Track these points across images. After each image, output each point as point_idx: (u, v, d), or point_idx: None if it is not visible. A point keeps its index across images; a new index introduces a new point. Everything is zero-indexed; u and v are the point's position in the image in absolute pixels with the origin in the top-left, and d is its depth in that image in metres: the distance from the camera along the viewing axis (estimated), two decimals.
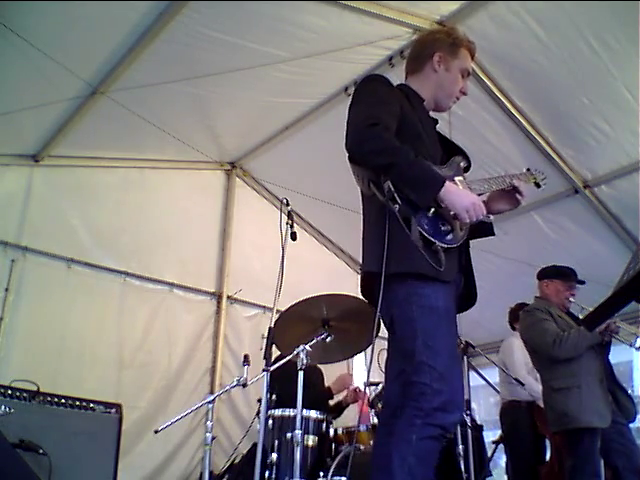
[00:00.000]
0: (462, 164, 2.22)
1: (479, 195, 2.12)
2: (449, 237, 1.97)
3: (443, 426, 1.87)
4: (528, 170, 2.42)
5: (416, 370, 1.89)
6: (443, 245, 1.93)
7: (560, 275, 3.96)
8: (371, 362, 2.05)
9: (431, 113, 2.34)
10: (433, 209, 1.94)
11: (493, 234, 2.27)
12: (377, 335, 2.15)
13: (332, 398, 4.19)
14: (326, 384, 4.30)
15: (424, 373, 1.88)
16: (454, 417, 1.91)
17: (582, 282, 3.94)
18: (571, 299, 3.90)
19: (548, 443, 4.72)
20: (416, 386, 1.88)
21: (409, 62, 2.38)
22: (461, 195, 1.96)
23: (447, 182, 1.94)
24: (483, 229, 2.24)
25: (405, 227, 1.89)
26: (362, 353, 3.70)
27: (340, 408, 4.22)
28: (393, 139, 1.96)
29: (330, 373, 4.43)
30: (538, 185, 2.41)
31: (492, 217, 2.22)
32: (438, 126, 2.34)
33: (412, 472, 1.80)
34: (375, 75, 2.30)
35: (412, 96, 2.24)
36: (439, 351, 1.91)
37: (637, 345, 3.83)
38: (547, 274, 4.02)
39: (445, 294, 1.99)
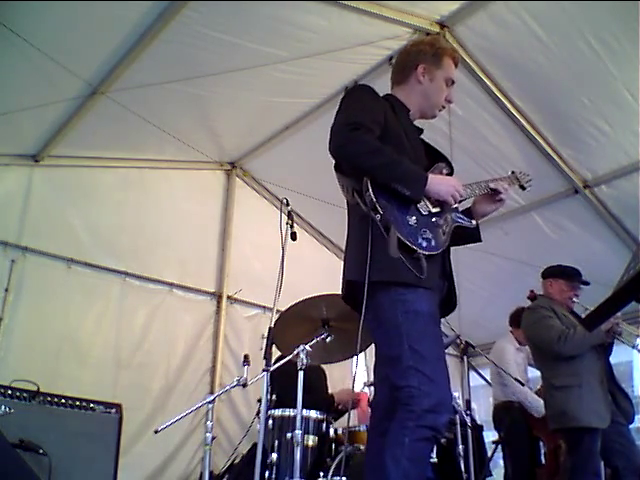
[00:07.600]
0: (445, 171, 2.26)
1: (462, 202, 2.19)
2: (431, 244, 2.00)
3: (435, 427, 1.90)
4: (512, 173, 2.47)
5: (404, 375, 1.92)
6: (425, 252, 1.96)
7: (564, 275, 3.95)
8: (356, 370, 2.08)
9: (417, 122, 2.38)
10: (415, 217, 1.99)
11: (480, 240, 2.32)
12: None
13: (333, 405, 4.17)
14: (329, 385, 4.28)
15: (412, 377, 1.90)
16: (444, 418, 1.94)
17: (587, 283, 3.91)
18: (574, 299, 3.88)
19: (543, 445, 4.72)
20: (404, 390, 1.91)
21: (394, 73, 2.43)
22: (442, 182, 2.12)
23: (428, 174, 2.09)
24: (469, 235, 2.29)
25: (386, 236, 1.92)
26: (362, 353, 3.69)
27: (341, 412, 4.21)
28: (376, 141, 2.02)
29: (330, 373, 4.43)
30: (523, 187, 2.48)
31: (474, 222, 2.26)
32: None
33: (407, 474, 1.83)
34: (361, 85, 2.38)
35: (397, 106, 2.29)
36: (426, 355, 1.94)
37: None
38: (551, 273, 4.01)
39: (428, 299, 2.02)
